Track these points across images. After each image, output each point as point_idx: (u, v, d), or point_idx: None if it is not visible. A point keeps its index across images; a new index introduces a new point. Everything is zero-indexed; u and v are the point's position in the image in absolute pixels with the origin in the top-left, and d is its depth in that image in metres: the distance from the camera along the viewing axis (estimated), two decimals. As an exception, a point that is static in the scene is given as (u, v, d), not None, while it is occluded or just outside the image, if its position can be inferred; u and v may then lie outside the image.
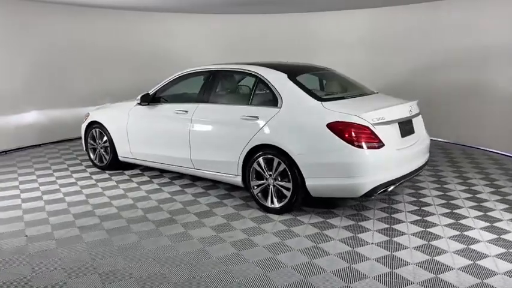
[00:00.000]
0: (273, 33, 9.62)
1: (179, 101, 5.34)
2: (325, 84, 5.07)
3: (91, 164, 6.36)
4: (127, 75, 8.97)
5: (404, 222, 4.17)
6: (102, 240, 3.82)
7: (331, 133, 3.96)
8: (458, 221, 4.15)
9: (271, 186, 4.37)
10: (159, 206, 4.69)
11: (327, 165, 4.02)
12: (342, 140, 3.92)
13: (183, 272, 3.24)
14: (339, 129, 3.95)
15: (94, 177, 5.86)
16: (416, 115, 4.66)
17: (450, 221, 4.16)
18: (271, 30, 9.64)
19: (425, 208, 4.52)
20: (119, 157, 5.89)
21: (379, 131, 4.03)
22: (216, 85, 5.05)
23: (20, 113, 7.72)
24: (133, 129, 5.59)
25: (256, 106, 4.55)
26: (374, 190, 4.00)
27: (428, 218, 4.24)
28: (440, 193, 4.98)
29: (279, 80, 4.50)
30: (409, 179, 4.60)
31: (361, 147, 3.91)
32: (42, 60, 7.78)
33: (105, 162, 6.08)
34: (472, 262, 3.34)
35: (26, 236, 3.92)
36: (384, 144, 4.01)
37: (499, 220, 4.16)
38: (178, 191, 5.17)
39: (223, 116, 4.74)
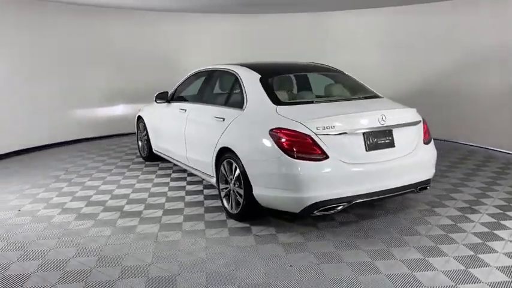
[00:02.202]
0: (290, 32, 9.42)
1: (185, 100, 5.50)
2: (313, 86, 4.61)
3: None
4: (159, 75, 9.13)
5: (360, 249, 3.57)
6: (63, 222, 4.21)
7: (272, 140, 3.63)
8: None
9: (231, 191, 4.21)
10: (147, 198, 4.92)
11: (267, 175, 3.70)
12: (279, 149, 3.56)
13: (86, 262, 3.39)
14: (278, 136, 3.59)
15: (132, 166, 6.43)
16: (404, 125, 3.90)
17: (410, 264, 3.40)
18: (289, 29, 9.44)
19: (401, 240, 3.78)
20: (153, 150, 6.34)
21: (326, 141, 3.52)
22: (207, 85, 5.08)
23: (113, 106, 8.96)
24: (157, 125, 5.97)
25: (227, 107, 4.43)
26: (314, 207, 3.53)
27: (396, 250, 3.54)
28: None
29: (249, 81, 4.29)
30: (384, 199, 3.91)
31: (298, 157, 3.48)
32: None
33: (145, 153, 6.62)
34: None
35: (19, 210, 4.60)
36: (328, 157, 3.50)
37: None
38: (179, 187, 5.33)
39: (204, 116, 4.73)
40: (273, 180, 3.65)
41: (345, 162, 3.55)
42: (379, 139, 3.74)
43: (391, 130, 3.81)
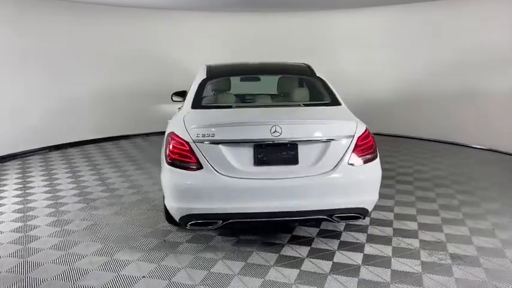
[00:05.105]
0: (290, 32, 9.11)
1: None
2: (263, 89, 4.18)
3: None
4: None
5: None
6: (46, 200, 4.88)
7: (165, 145, 3.49)
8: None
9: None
10: (144, 192, 5.18)
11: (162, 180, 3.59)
12: (166, 154, 3.42)
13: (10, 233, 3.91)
14: (168, 140, 3.43)
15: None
16: (317, 140, 3.26)
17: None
18: (288, 29, 9.13)
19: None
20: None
21: (203, 150, 3.22)
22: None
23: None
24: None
25: (180, 108, 4.39)
26: (186, 219, 3.29)
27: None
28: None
29: (195, 82, 4.17)
30: (282, 221, 3.57)
31: (176, 165, 3.29)
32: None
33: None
34: None
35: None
36: (201, 167, 3.19)
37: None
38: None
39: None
40: (163, 186, 3.54)
41: (224, 175, 3.18)
42: (276, 154, 3.21)
43: (296, 144, 3.21)
